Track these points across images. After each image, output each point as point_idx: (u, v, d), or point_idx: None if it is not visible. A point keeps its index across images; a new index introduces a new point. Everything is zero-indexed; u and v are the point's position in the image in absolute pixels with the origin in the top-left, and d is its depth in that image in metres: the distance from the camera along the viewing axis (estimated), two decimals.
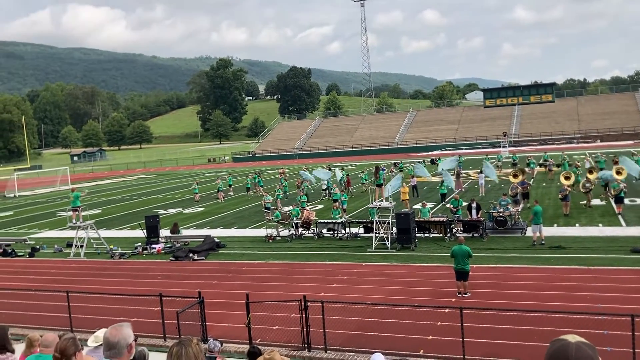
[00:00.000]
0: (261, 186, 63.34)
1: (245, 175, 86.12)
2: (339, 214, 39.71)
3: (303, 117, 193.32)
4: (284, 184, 60.59)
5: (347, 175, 60.57)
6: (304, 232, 36.88)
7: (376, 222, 33.04)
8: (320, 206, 49.13)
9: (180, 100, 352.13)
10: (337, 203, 41.74)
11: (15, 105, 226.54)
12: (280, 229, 37.77)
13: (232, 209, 52.46)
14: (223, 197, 59.94)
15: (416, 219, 33.33)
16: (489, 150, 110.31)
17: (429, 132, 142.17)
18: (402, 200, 44.69)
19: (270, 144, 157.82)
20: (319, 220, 37.64)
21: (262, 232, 39.10)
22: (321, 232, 36.56)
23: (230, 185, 66.67)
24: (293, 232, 36.79)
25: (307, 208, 40.91)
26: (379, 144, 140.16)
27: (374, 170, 63.71)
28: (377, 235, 32.72)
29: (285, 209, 43.49)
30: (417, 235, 32.80)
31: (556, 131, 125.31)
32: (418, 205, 39.46)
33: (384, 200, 36.78)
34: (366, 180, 62.07)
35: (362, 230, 35.81)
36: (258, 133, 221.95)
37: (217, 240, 36.06)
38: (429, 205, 39.87)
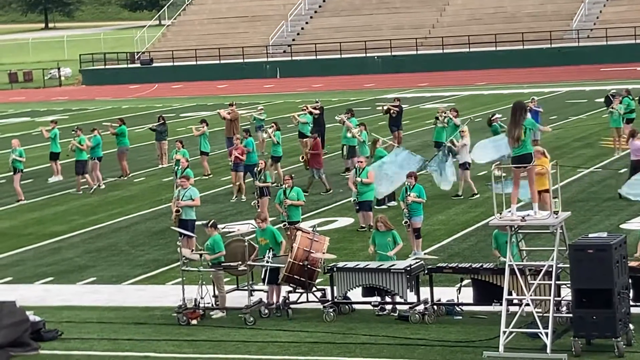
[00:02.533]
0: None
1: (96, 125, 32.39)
2: (395, 243, 15.53)
3: None
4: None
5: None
6: (290, 298, 15.05)
7: (512, 269, 12.56)
8: (338, 220, 22.03)
9: None
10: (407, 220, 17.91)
11: None
12: (220, 287, 15.14)
13: (79, 220, 23.67)
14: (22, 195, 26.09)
15: None
16: None
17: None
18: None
19: (193, 34, 73.09)
20: (339, 264, 14.97)
21: (169, 293, 16.29)
22: (345, 295, 14.75)
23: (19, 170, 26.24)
24: (263, 298, 15.04)
25: (309, 229, 16.37)
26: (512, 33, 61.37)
27: (605, 101, 31.91)
28: (514, 302, 12.83)
29: (235, 226, 19.30)
30: (630, 310, 12.44)
31: None
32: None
33: (552, 205, 12.92)
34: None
35: (459, 293, 14.18)
36: (159, 2, 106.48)
37: (35, 317, 14.77)
38: None
